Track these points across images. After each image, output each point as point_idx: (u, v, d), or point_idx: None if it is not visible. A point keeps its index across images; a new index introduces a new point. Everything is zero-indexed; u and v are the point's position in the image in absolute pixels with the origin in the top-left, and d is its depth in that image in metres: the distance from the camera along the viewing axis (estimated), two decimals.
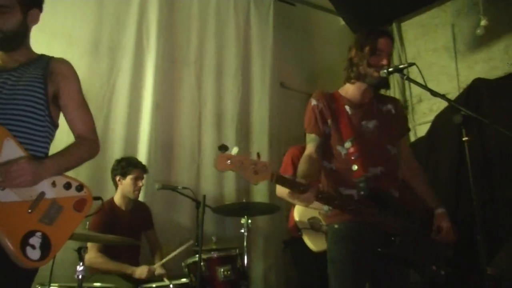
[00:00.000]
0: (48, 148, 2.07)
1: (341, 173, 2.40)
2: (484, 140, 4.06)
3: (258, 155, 1.98)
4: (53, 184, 1.95)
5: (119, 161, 3.72)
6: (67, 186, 1.98)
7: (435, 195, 2.53)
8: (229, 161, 1.88)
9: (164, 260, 3.50)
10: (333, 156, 2.42)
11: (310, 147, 2.39)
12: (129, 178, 3.64)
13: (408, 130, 2.71)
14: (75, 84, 2.17)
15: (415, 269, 2.42)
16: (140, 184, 3.68)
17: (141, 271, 3.39)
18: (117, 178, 3.66)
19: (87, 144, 2.15)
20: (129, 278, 3.34)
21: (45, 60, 2.13)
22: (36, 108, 2.00)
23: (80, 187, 2.01)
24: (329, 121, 2.42)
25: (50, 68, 2.09)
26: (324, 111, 2.42)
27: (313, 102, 2.46)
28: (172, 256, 3.48)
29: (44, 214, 1.88)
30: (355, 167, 2.33)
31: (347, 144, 2.37)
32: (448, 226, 2.41)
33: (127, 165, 3.67)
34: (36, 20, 2.13)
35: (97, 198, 2.15)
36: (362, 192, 2.30)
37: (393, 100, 2.70)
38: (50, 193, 1.93)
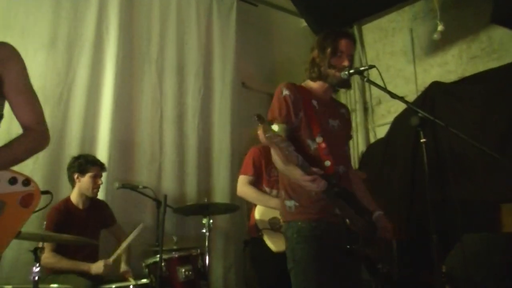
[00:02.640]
0: None
1: None
2: (437, 142, 4.20)
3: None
4: None
5: (76, 158, 3.62)
6: (13, 181, 1.88)
7: (373, 199, 2.60)
8: (268, 134, 1.94)
9: (118, 251, 3.41)
10: (301, 149, 2.35)
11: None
12: (87, 176, 3.56)
13: (351, 137, 2.78)
14: (18, 69, 1.97)
15: (368, 266, 2.49)
16: (100, 182, 3.61)
17: (97, 267, 3.31)
18: (75, 175, 3.57)
19: (35, 135, 2.00)
20: (88, 278, 3.26)
21: None
22: None
23: (26, 182, 1.91)
24: (301, 114, 2.39)
25: None
26: (296, 102, 2.38)
27: (285, 91, 2.39)
28: (126, 245, 3.40)
29: None
30: (328, 163, 2.35)
31: (318, 139, 2.38)
32: (391, 226, 2.48)
33: (86, 162, 3.58)
34: None
35: (45, 192, 2.02)
36: (335, 189, 2.29)
37: (344, 106, 2.81)
38: None
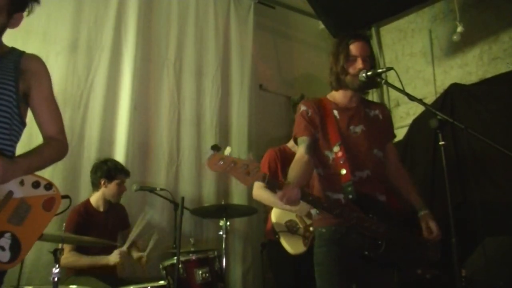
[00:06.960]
0: (15, 147, 1.99)
1: (329, 178, 2.43)
2: (457, 144, 4.14)
3: (251, 156, 1.99)
4: (21, 183, 1.89)
5: (103, 163, 3.67)
6: (36, 184, 1.93)
7: (421, 197, 2.57)
8: (221, 161, 1.88)
9: (130, 238, 3.49)
10: (321, 162, 2.45)
11: (300, 149, 2.39)
12: (114, 183, 3.62)
13: (394, 136, 2.73)
14: (47, 83, 2.09)
15: (398, 271, 2.45)
16: (125, 189, 3.69)
17: (113, 256, 3.39)
18: (102, 181, 3.61)
19: (57, 145, 2.10)
20: (107, 281, 3.29)
21: (17, 55, 2.03)
22: (5, 106, 1.92)
23: (49, 186, 1.96)
24: (319, 127, 2.44)
25: (22, 65, 2.00)
26: (313, 116, 2.44)
27: (302, 107, 2.49)
28: (137, 231, 3.50)
29: (12, 214, 1.83)
30: (343, 171, 2.35)
31: (336, 148, 2.40)
32: (436, 225, 2.44)
33: (115, 169, 3.64)
34: (17, 24, 2.06)
35: (65, 197, 2.07)
36: (350, 196, 2.31)
37: (380, 106, 2.76)
38: (18, 192, 1.87)
